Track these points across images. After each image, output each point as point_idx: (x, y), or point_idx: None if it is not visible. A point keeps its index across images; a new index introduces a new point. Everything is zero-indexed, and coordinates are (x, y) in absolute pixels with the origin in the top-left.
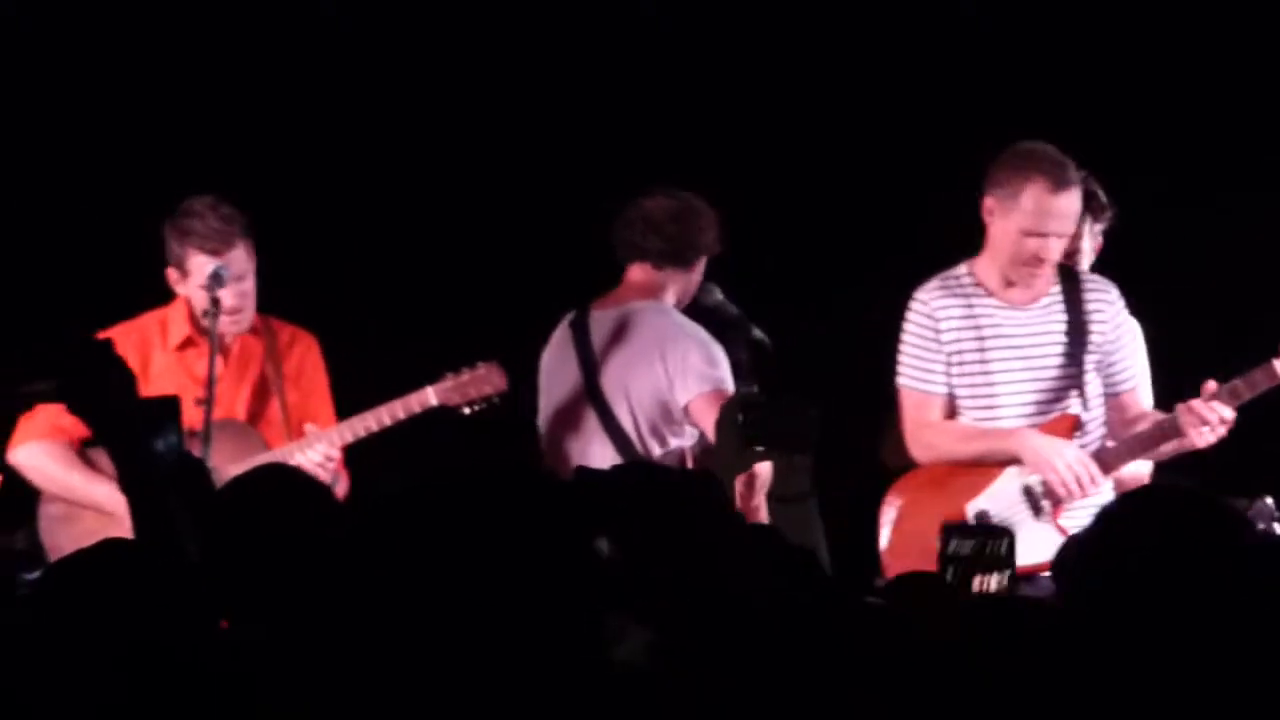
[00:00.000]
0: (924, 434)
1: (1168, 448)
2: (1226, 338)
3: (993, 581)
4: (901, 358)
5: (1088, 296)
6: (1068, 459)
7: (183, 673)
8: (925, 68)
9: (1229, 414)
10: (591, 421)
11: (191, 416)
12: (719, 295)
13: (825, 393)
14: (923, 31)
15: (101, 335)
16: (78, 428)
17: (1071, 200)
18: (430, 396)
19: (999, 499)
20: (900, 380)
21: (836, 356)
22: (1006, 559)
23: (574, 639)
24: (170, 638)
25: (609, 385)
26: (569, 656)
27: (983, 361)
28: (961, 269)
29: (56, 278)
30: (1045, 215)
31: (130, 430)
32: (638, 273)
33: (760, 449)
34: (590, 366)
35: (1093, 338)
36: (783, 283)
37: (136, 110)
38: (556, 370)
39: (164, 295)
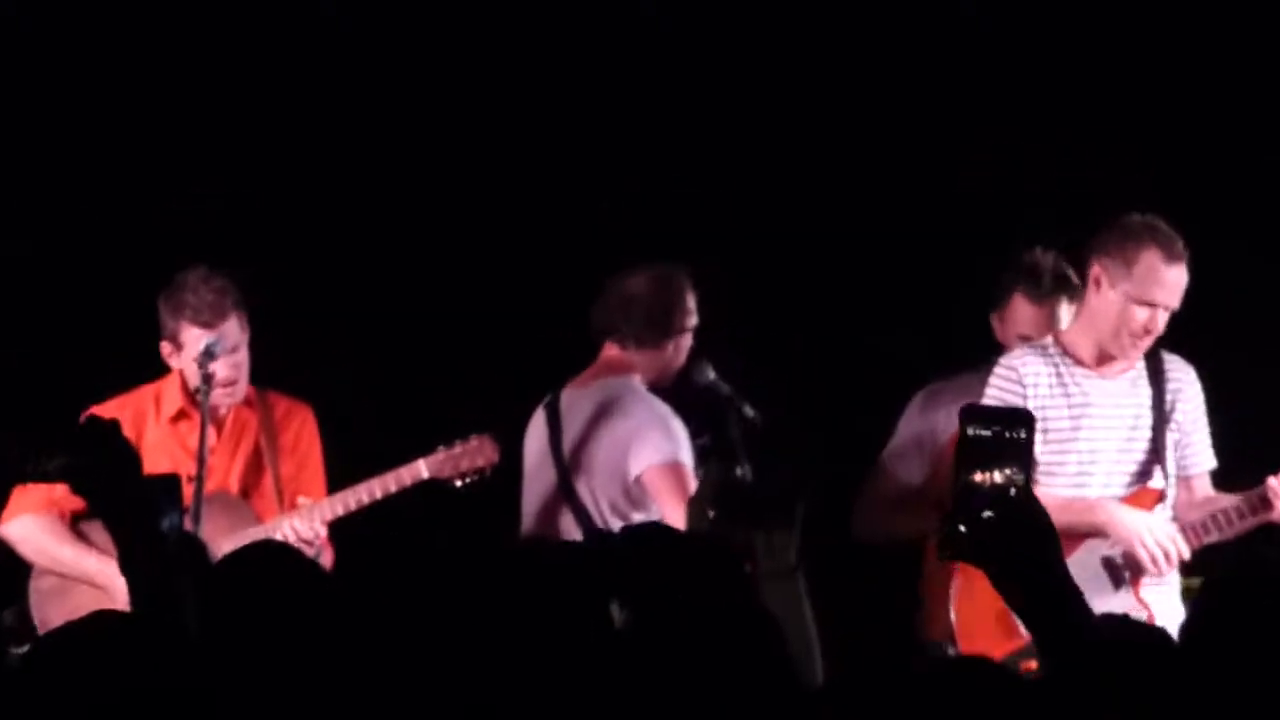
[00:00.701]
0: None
1: (1249, 523)
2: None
3: (999, 474)
4: None
5: (1171, 374)
6: (1156, 533)
7: None
8: (926, 68)
9: None
10: (562, 502)
11: (184, 491)
12: (711, 374)
13: (819, 468)
14: (923, 32)
15: (97, 409)
16: (70, 501)
17: (1183, 273)
18: (422, 469)
19: (1079, 570)
20: None
21: (832, 431)
22: (1025, 447)
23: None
24: (168, 709)
25: (575, 466)
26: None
27: (1072, 430)
28: (1048, 340)
29: (53, 345)
30: (1158, 285)
31: (135, 511)
32: (610, 350)
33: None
34: (559, 449)
35: (1175, 415)
36: (776, 356)
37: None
38: (533, 453)
39: (159, 366)
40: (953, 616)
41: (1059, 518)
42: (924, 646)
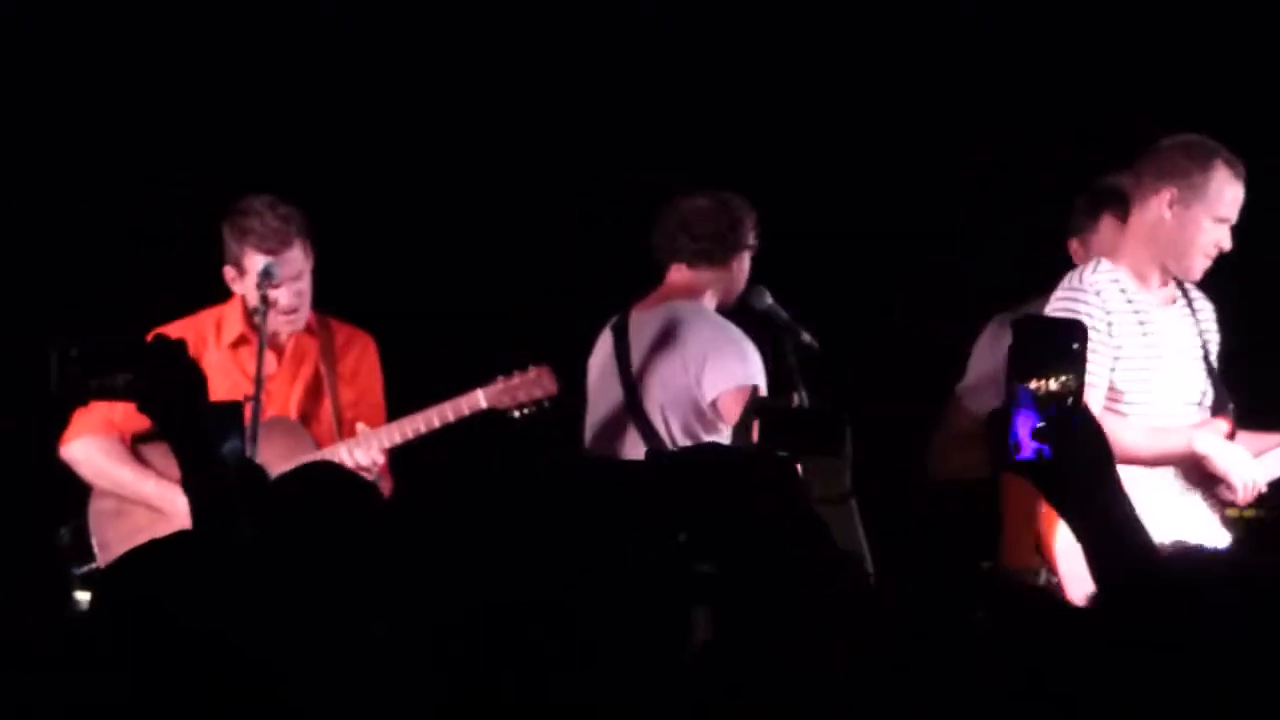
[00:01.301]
0: (1117, 433)
1: None
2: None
3: (1054, 382)
4: None
5: (1199, 306)
6: (1249, 465)
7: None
8: (925, 65)
9: None
10: (628, 422)
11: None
12: (769, 300)
13: (875, 398)
14: (923, 31)
15: (158, 331)
16: (130, 423)
17: (1243, 189)
18: (480, 399)
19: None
20: None
21: (888, 361)
22: (1079, 357)
23: (662, 631)
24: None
25: (643, 386)
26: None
27: (1150, 355)
28: (1105, 265)
29: (113, 270)
30: (1233, 202)
31: (199, 432)
32: (676, 274)
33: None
34: (627, 369)
35: (1211, 346)
36: (832, 287)
37: (166, 110)
38: (599, 374)
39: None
40: (1053, 539)
41: (1160, 441)
42: (1010, 574)
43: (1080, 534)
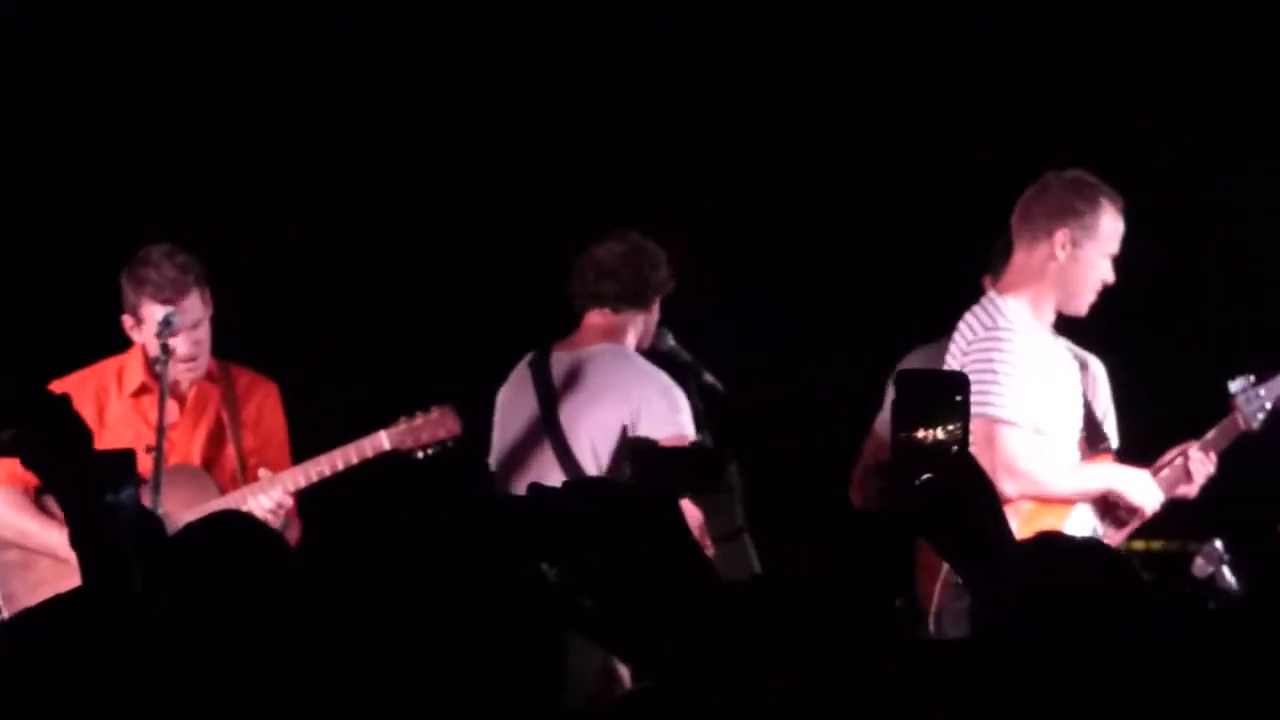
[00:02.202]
0: (1030, 466)
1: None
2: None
3: (940, 432)
4: (997, 390)
5: (1077, 350)
6: (1156, 495)
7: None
8: (921, 71)
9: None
10: (548, 457)
11: (144, 463)
12: (671, 341)
13: (780, 436)
14: (920, 34)
15: (59, 382)
16: (31, 475)
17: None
18: (383, 440)
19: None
20: (996, 412)
21: (792, 402)
22: (963, 408)
23: (534, 666)
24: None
25: (569, 422)
26: (531, 683)
27: (1056, 387)
28: (1009, 301)
29: (16, 320)
30: (1117, 236)
31: (84, 485)
32: (596, 318)
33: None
34: (549, 403)
35: (1098, 389)
36: (741, 327)
37: (89, 149)
38: (513, 407)
39: (123, 341)
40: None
41: (1080, 479)
42: (925, 616)
43: (967, 580)
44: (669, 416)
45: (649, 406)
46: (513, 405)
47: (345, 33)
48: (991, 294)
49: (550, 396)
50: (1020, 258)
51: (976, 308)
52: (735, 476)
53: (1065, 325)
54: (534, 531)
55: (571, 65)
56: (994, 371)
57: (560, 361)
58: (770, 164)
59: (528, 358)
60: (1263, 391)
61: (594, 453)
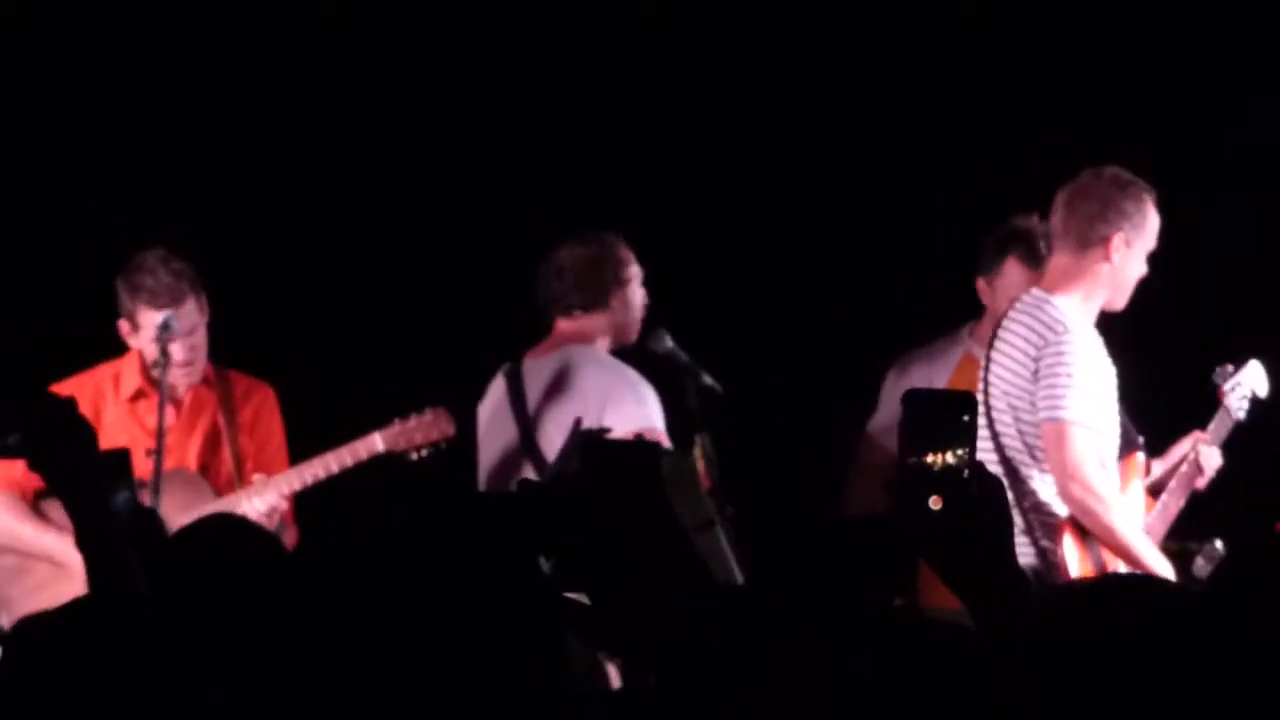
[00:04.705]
0: (1094, 476)
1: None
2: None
3: (947, 458)
4: (1071, 393)
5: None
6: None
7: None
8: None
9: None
10: (526, 467)
11: (142, 467)
12: (669, 342)
13: (779, 436)
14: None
15: (56, 387)
16: (29, 480)
17: None
18: (378, 442)
19: None
20: (1067, 415)
21: (791, 402)
22: (970, 429)
23: (537, 660)
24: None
25: (541, 431)
26: (533, 679)
27: (1109, 398)
28: (1061, 301)
29: (13, 324)
30: (1157, 231)
31: (91, 487)
32: (565, 323)
33: None
34: (524, 415)
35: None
36: (736, 328)
37: (82, 156)
38: (492, 423)
39: (119, 346)
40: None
41: (1134, 545)
42: (926, 613)
43: (972, 609)
44: (634, 411)
45: (614, 402)
46: (491, 419)
47: (329, 41)
48: (1038, 293)
49: (524, 408)
50: (1066, 260)
51: (1028, 310)
52: (685, 469)
53: None
54: (529, 526)
55: (564, 61)
56: (1069, 374)
57: (532, 370)
58: (756, 161)
59: (503, 369)
60: (1242, 380)
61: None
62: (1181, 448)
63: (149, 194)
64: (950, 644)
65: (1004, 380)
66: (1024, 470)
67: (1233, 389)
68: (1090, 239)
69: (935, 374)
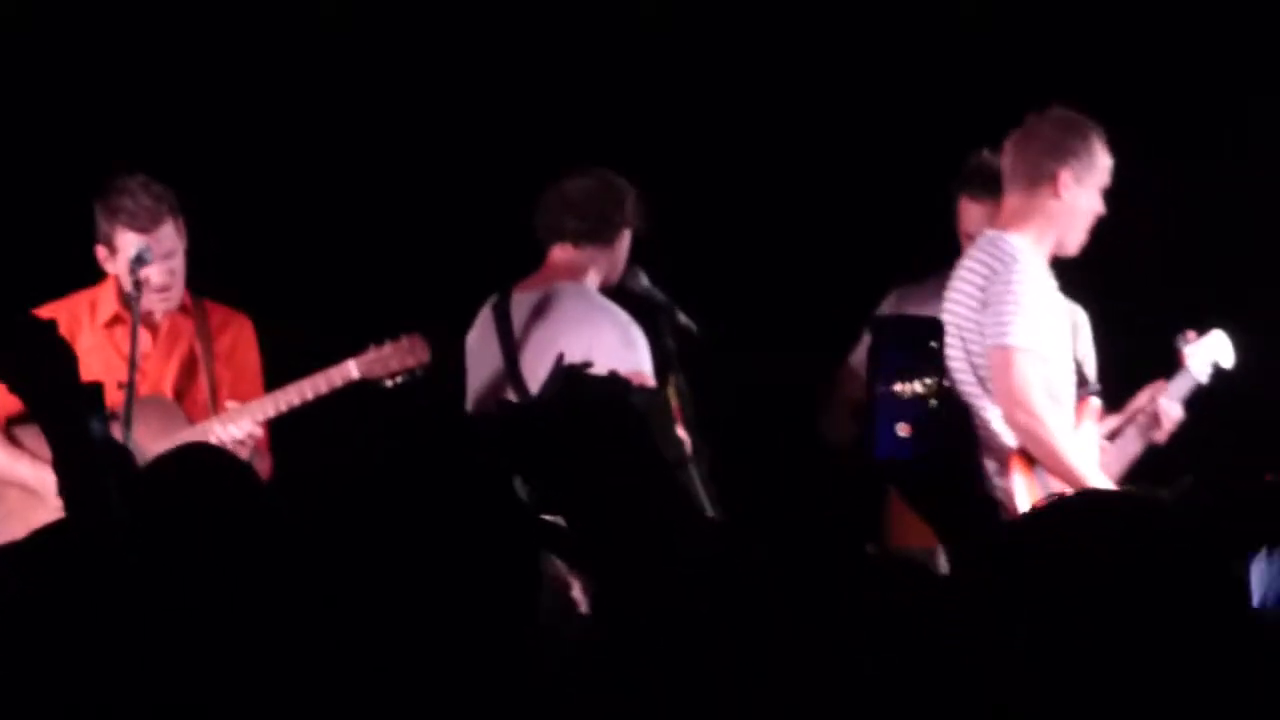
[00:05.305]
0: (1039, 401)
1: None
2: None
3: (915, 386)
4: (1018, 318)
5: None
6: None
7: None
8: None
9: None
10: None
11: (117, 395)
12: (645, 281)
13: (755, 375)
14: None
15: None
16: (4, 405)
17: None
18: (352, 369)
19: None
20: (1014, 340)
21: (766, 341)
22: (938, 355)
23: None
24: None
25: (528, 367)
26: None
27: (1057, 330)
28: (1014, 238)
29: None
30: (1108, 169)
31: (70, 413)
32: (559, 253)
33: None
34: (511, 349)
35: (1078, 332)
36: (711, 267)
37: (60, 91)
38: (479, 354)
39: (98, 273)
40: None
41: (1072, 465)
42: (897, 552)
43: (943, 538)
44: (622, 353)
45: (600, 343)
46: (479, 351)
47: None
48: (991, 233)
49: (511, 342)
50: (1017, 200)
51: (981, 246)
52: (659, 405)
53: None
54: (505, 448)
55: (564, 61)
56: (1016, 302)
57: (520, 304)
58: (755, 161)
59: (491, 300)
60: (1204, 345)
61: None
62: (1140, 398)
63: (123, 121)
64: (920, 587)
65: (955, 314)
66: (975, 402)
67: (1193, 353)
68: (1039, 177)
69: (927, 310)
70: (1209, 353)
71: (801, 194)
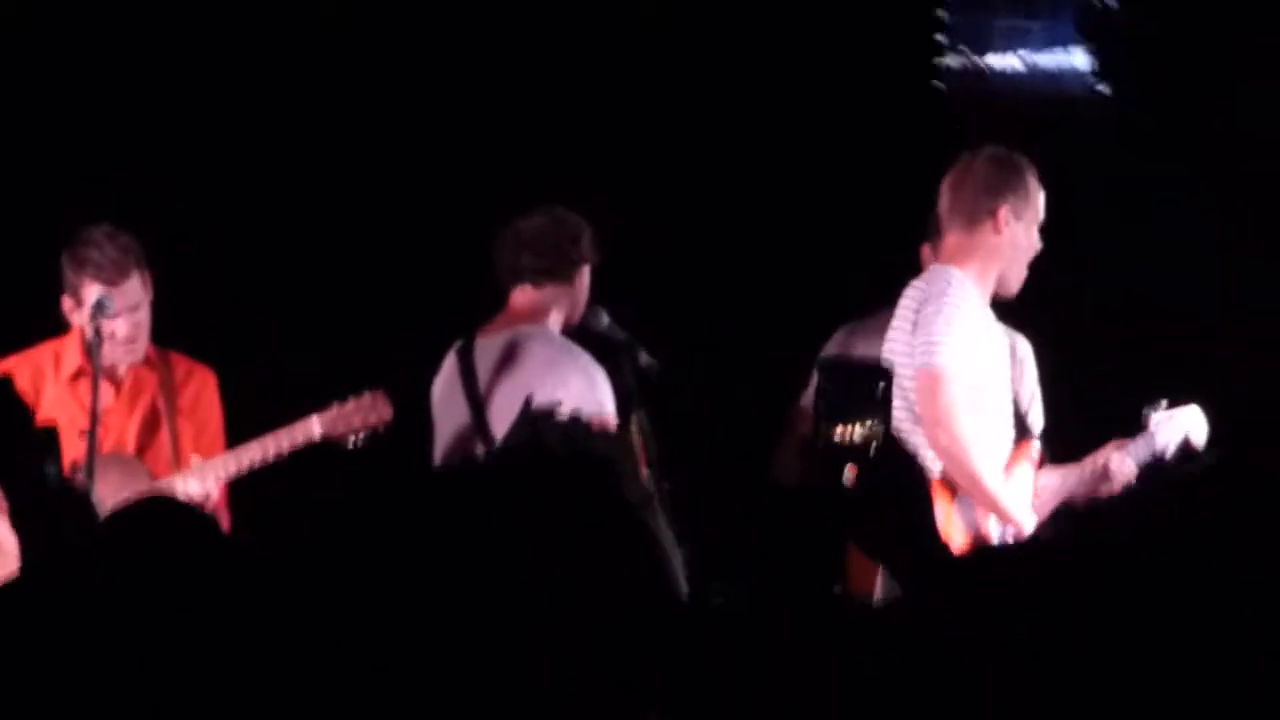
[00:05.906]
0: (963, 428)
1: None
2: None
3: (858, 430)
4: (946, 343)
5: (1017, 342)
6: None
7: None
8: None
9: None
10: (478, 449)
11: (79, 448)
12: (606, 319)
13: (713, 416)
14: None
15: None
16: None
17: None
18: (314, 426)
19: None
20: (940, 362)
21: (726, 379)
22: (884, 400)
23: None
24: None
25: (494, 416)
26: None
27: (988, 364)
28: (956, 272)
29: None
30: (1042, 204)
31: (26, 464)
32: (520, 296)
33: None
34: (476, 397)
35: (1022, 380)
36: (673, 306)
37: (27, 131)
38: (445, 402)
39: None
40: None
41: (998, 500)
42: (853, 597)
43: (897, 579)
44: (586, 395)
45: (566, 388)
46: (444, 399)
47: (281, 28)
48: (935, 266)
49: (475, 390)
50: (957, 238)
51: (921, 276)
52: (623, 448)
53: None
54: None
55: (564, 61)
56: (946, 326)
57: (484, 349)
58: (697, 140)
59: (455, 346)
60: (1174, 418)
61: None
62: (1097, 456)
63: (92, 172)
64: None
65: (893, 342)
66: (904, 428)
67: (1161, 421)
68: (978, 215)
69: (875, 347)
70: (1180, 425)
71: (768, 227)
